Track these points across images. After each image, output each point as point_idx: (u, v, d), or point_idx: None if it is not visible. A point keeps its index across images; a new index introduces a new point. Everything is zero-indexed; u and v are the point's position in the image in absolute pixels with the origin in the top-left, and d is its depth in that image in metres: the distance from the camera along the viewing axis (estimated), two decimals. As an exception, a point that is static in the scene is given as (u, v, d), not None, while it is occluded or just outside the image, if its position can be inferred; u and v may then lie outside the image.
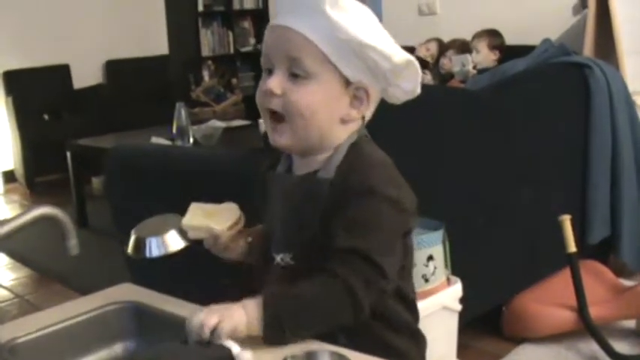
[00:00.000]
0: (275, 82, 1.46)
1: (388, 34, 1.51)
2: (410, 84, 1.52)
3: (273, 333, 1.36)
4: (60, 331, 1.59)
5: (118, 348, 1.64)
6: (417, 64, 1.51)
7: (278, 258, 1.53)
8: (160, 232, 1.57)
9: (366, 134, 1.55)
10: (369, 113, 1.54)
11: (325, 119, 1.48)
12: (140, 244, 1.59)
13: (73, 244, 1.46)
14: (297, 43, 1.44)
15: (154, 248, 1.57)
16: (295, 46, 1.44)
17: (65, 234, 1.43)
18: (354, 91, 1.50)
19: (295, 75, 1.45)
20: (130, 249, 1.61)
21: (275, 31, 1.49)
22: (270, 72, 1.49)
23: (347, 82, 1.48)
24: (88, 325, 1.63)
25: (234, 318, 1.35)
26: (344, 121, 1.51)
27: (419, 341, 1.62)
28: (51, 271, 4.75)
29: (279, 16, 1.50)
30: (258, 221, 1.67)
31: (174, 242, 1.56)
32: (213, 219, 1.57)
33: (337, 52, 1.44)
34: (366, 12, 1.50)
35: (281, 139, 1.50)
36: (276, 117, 1.49)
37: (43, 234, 4.53)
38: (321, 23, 1.42)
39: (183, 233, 1.57)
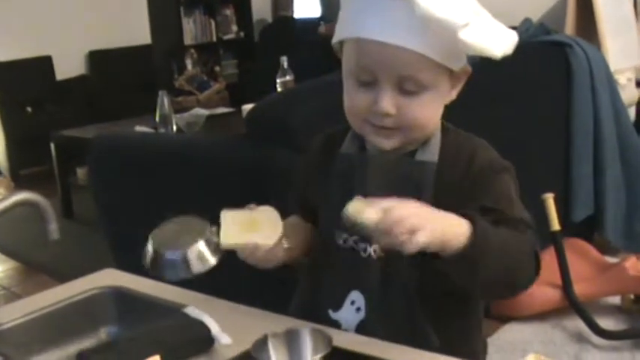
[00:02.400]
0: (388, 103, 1.35)
1: (494, 20, 1.39)
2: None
3: (466, 261, 1.26)
4: (43, 317, 1.59)
5: (101, 332, 1.64)
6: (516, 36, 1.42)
7: (371, 249, 1.44)
8: (183, 246, 1.36)
9: None
10: None
11: (438, 116, 1.44)
12: (160, 262, 1.38)
13: (53, 228, 1.46)
14: (413, 62, 1.33)
15: (179, 270, 1.37)
16: (411, 65, 1.33)
17: (45, 218, 1.44)
18: (456, 75, 1.42)
19: (407, 90, 1.36)
20: (147, 263, 1.40)
21: (379, 48, 1.33)
22: (367, 84, 1.38)
23: (451, 73, 1.40)
24: (71, 310, 1.63)
25: (437, 229, 1.23)
26: (446, 102, 1.46)
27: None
28: (37, 263, 4.74)
29: (380, 29, 1.33)
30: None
31: (201, 262, 1.36)
32: (256, 233, 1.39)
33: (452, 57, 1.36)
34: (481, 11, 1.36)
35: (390, 143, 1.41)
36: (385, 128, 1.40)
37: (28, 226, 4.53)
38: (448, 44, 1.31)
39: (212, 247, 1.38)
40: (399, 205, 1.22)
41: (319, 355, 1.18)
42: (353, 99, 1.41)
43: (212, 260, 1.36)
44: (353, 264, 1.44)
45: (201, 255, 1.36)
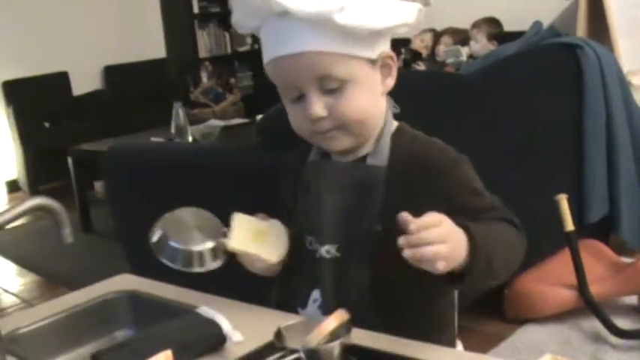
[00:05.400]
0: (317, 107, 1.41)
1: None
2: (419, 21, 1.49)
3: (479, 270, 1.30)
4: (60, 321, 1.62)
5: (117, 335, 1.66)
6: (419, 4, 1.47)
7: (323, 250, 1.50)
8: (190, 242, 1.43)
9: (394, 105, 1.55)
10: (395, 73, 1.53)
11: (373, 107, 1.48)
12: (163, 246, 1.44)
13: (67, 232, 1.48)
14: (320, 61, 1.39)
15: (178, 260, 1.43)
16: (320, 65, 1.39)
17: (59, 223, 1.46)
18: (381, 63, 1.47)
19: (329, 89, 1.41)
20: (152, 242, 1.46)
21: (287, 61, 1.41)
22: (298, 99, 1.45)
23: (373, 62, 1.45)
24: (87, 314, 1.66)
25: (457, 259, 1.26)
26: (383, 94, 1.51)
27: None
28: (56, 276, 4.77)
29: (280, 45, 1.41)
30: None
31: (200, 264, 1.43)
32: (262, 246, 1.47)
33: (359, 45, 1.40)
34: None
35: (341, 144, 1.47)
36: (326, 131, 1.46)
37: (47, 239, 4.58)
38: (333, 33, 1.36)
39: (216, 253, 1.45)
40: (437, 225, 1.23)
41: (338, 341, 1.20)
42: (292, 117, 1.49)
43: (210, 266, 1.44)
44: (312, 264, 1.50)
45: (203, 257, 1.43)
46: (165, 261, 1.43)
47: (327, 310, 1.45)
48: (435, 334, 1.51)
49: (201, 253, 1.43)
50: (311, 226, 1.52)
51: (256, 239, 1.46)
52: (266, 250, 1.46)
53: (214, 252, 1.44)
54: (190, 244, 1.42)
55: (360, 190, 1.47)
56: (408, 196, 1.41)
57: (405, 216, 1.22)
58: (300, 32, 1.37)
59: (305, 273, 1.50)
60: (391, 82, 1.51)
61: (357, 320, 1.36)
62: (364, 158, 1.50)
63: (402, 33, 1.46)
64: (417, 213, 1.25)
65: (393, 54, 1.50)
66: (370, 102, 1.47)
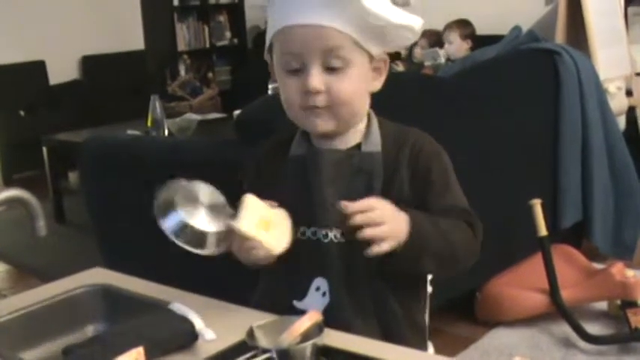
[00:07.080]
0: (317, 80, 1.46)
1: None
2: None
3: (411, 253, 1.41)
4: (31, 314, 1.60)
5: (88, 330, 1.65)
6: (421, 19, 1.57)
7: (331, 235, 1.52)
8: (202, 218, 1.34)
9: None
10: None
11: (363, 98, 1.55)
12: (165, 212, 1.34)
13: (40, 225, 1.47)
14: (333, 36, 1.45)
15: (175, 229, 1.33)
16: (331, 40, 1.45)
17: (32, 215, 1.45)
18: (375, 64, 1.56)
19: (332, 67, 1.47)
20: (158, 203, 1.35)
21: (302, 30, 1.46)
22: (296, 71, 1.49)
23: (371, 59, 1.54)
24: (58, 308, 1.64)
25: (398, 238, 1.39)
26: (370, 92, 1.58)
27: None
28: (28, 266, 4.74)
29: (300, 14, 1.46)
30: None
31: (198, 243, 1.35)
32: (268, 234, 1.40)
33: (367, 35, 1.48)
34: None
35: (326, 125, 1.51)
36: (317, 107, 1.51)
37: (20, 229, 4.54)
38: (353, 13, 1.44)
39: (220, 239, 1.37)
40: (379, 207, 1.37)
41: (310, 342, 1.20)
42: (286, 89, 1.52)
43: (214, 250, 1.37)
44: (314, 252, 1.52)
45: (213, 239, 1.36)
46: (169, 231, 1.34)
47: (334, 295, 1.50)
48: (420, 314, 1.64)
49: (214, 235, 1.35)
50: (310, 216, 1.52)
51: (262, 226, 1.40)
52: (272, 239, 1.40)
53: (221, 235, 1.37)
54: (202, 224, 1.34)
55: (361, 176, 1.52)
56: (401, 178, 1.52)
57: (342, 203, 1.35)
58: (325, 6, 1.44)
59: (303, 263, 1.50)
60: (378, 85, 1.58)
61: (367, 303, 1.50)
62: (357, 147, 1.56)
63: (402, 42, 1.56)
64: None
65: (387, 58, 1.58)
66: (361, 92, 1.54)
